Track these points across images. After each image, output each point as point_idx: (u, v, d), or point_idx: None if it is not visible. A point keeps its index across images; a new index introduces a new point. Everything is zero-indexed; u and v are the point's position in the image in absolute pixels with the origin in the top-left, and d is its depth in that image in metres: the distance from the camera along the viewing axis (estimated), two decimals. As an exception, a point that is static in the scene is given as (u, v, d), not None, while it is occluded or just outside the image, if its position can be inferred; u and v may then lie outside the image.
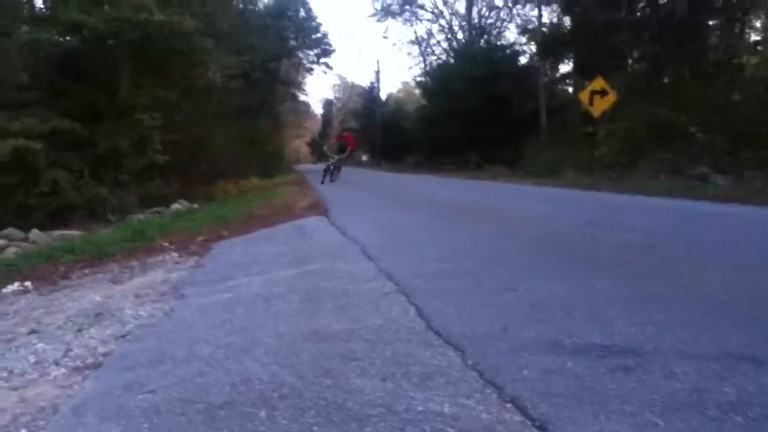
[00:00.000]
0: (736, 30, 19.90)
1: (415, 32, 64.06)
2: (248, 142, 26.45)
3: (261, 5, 31.12)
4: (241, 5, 26.31)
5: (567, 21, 26.84)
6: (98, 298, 4.14)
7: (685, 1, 17.73)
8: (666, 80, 20.06)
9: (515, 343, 2.42)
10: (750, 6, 18.72)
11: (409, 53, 69.62)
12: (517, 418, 1.77)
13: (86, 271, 5.48)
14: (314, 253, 5.21)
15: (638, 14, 21.31)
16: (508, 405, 1.86)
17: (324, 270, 4.35)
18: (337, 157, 18.30)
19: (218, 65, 18.50)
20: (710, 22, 19.66)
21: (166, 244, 6.70)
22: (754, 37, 21.68)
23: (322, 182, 17.52)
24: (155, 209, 13.67)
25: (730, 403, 1.78)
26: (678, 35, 17.78)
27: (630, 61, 22.84)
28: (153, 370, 2.49)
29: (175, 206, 13.53)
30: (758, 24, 22.08)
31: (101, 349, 2.97)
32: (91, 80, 16.02)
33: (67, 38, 15.91)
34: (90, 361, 2.82)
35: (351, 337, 2.65)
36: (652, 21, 19.68)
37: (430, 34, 49.68)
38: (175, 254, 6.01)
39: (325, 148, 18.94)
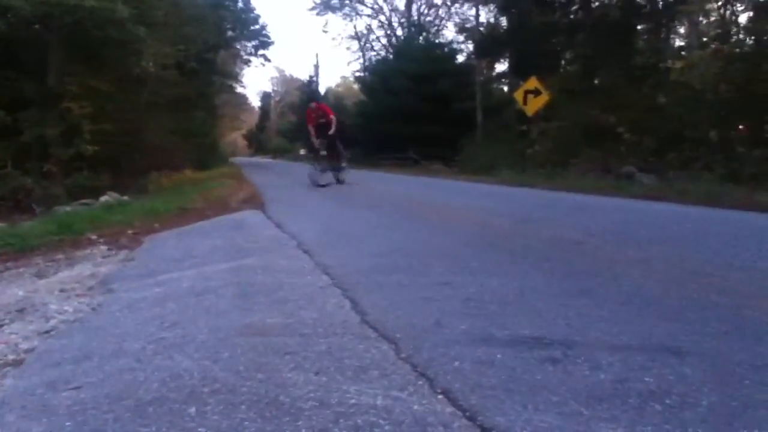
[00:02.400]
0: (663, 35, 20.75)
1: (355, 27, 64.22)
2: (183, 133, 25.86)
3: (198, -6, 30.30)
4: (177, -7, 25.64)
5: (504, 21, 27.45)
6: (21, 293, 3.97)
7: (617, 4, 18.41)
8: (597, 82, 20.72)
9: (448, 336, 2.46)
10: (674, 12, 19.51)
11: (348, 48, 69.88)
12: (449, 409, 1.80)
13: (8, 264, 5.24)
14: (249, 247, 5.15)
15: (572, 17, 21.94)
16: (440, 397, 1.89)
17: (259, 264, 4.30)
18: (320, 148, 13.33)
19: (152, 54, 17.96)
20: (639, 27, 20.43)
21: (94, 237, 6.48)
22: (679, 43, 22.67)
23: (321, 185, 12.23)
24: (84, 201, 13.13)
25: (650, 392, 1.86)
26: (609, 38, 18.40)
27: (563, 63, 23.53)
28: (79, 366, 2.41)
29: (105, 198, 13.06)
30: (682, 30, 23.09)
31: (23, 346, 2.85)
32: (18, 66, 15.33)
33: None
34: (11, 357, 2.70)
35: (285, 332, 2.63)
36: (585, 24, 20.30)
37: (369, 29, 49.91)
38: (104, 248, 5.82)
39: (311, 139, 13.78)
